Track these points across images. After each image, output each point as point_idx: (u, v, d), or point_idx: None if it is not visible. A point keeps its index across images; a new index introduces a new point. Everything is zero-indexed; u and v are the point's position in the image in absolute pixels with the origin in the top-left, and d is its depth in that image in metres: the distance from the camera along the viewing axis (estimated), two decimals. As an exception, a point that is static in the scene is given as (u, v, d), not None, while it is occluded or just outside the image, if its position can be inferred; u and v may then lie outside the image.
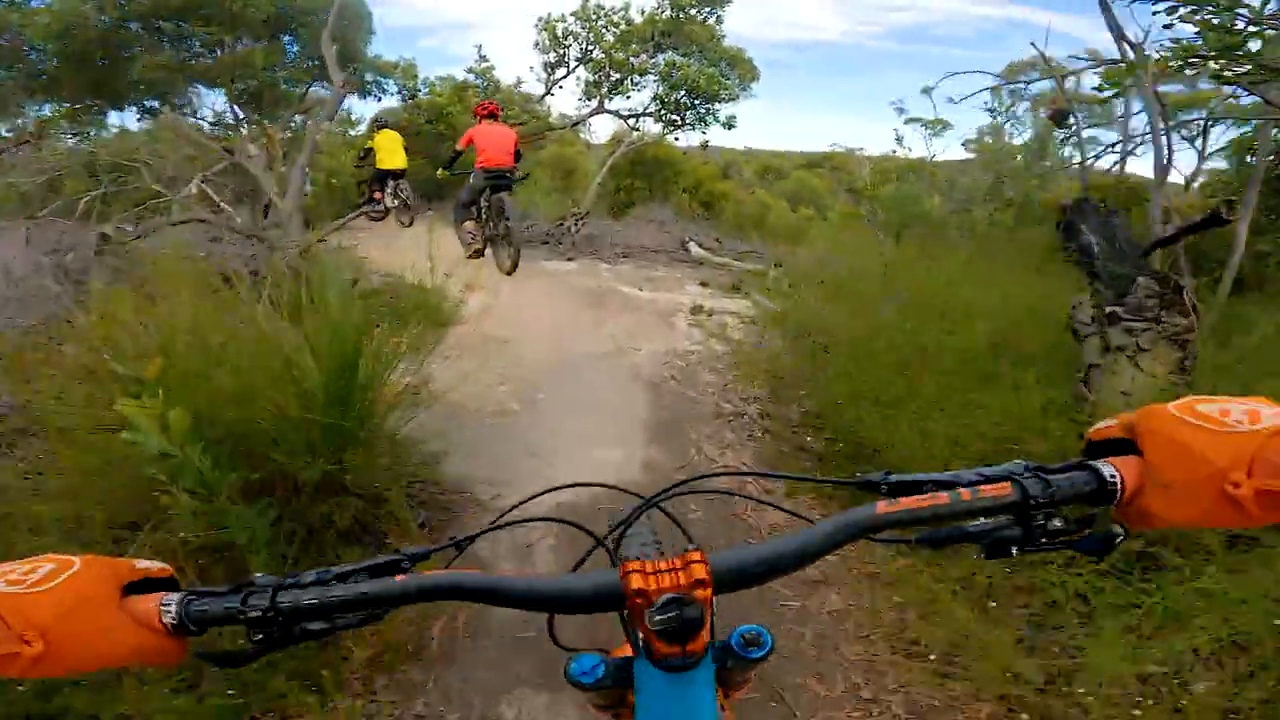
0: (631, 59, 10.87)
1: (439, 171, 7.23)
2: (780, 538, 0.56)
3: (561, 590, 0.56)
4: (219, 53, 8.84)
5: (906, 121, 29.59)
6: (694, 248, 8.11)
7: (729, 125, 10.52)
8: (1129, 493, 0.55)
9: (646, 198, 15.61)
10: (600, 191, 12.66)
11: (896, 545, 0.76)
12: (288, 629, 0.54)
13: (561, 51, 11.45)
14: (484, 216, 6.65)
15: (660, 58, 11.15)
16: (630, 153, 12.95)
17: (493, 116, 6.63)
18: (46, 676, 0.49)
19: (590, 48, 11.39)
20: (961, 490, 0.56)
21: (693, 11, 10.88)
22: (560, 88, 11.62)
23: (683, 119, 10.59)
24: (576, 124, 11.47)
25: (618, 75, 11.18)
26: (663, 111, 10.84)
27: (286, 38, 9.85)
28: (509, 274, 6.28)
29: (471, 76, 11.10)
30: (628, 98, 11.01)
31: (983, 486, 0.57)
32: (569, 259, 7.60)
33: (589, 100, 11.67)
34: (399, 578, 0.55)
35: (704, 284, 6.82)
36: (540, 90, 11.67)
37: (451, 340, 4.50)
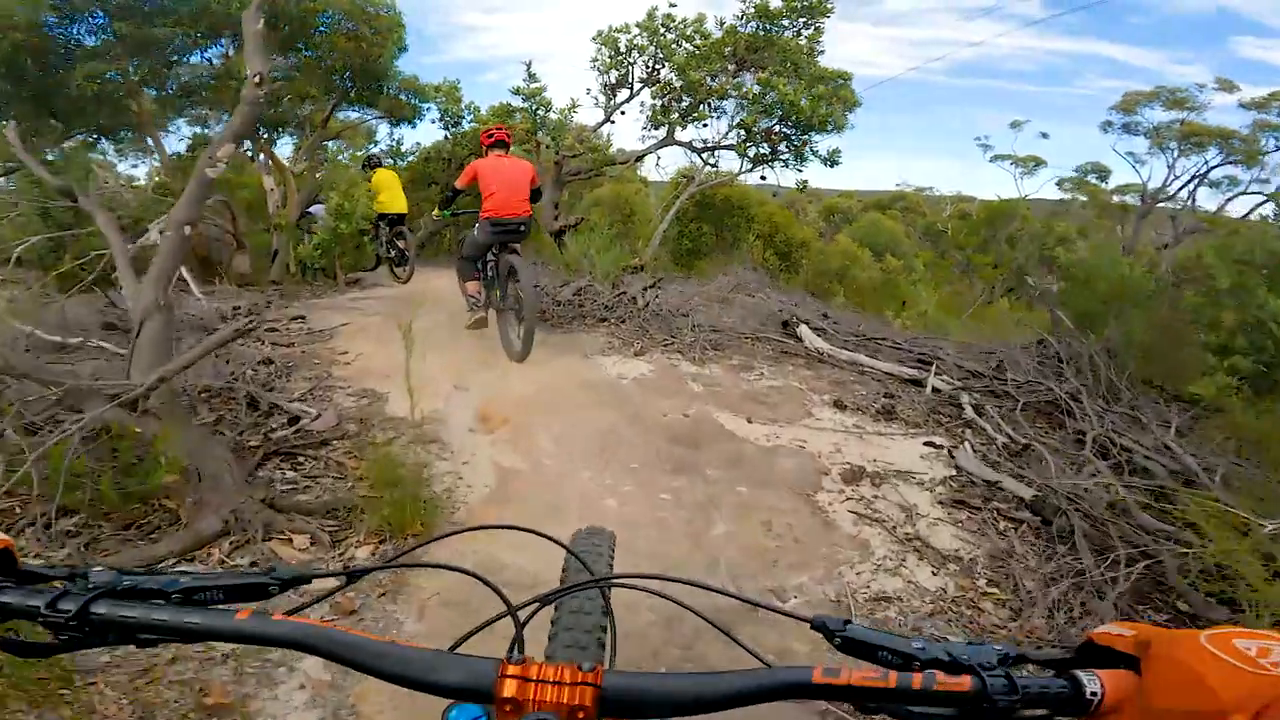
0: (708, 79, 8.76)
1: (434, 212, 5.57)
2: (697, 675, 0.52)
3: (425, 669, 0.50)
4: (189, 61, 6.96)
5: (992, 159, 26.30)
6: (806, 334, 5.80)
7: (831, 162, 8.26)
8: (1105, 710, 0.48)
9: (712, 244, 13.45)
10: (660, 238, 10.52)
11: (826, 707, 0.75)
12: (101, 634, 0.51)
13: (624, 70, 9.41)
14: (490, 281, 5.21)
15: (746, 78, 9.02)
16: (696, 193, 10.80)
17: (502, 146, 5.08)
18: None
19: (658, 65, 9.32)
20: (914, 675, 0.50)
21: (784, 23, 8.73)
22: (622, 113, 9.58)
23: (774, 152, 8.36)
24: (641, 157, 9.36)
25: (690, 99, 9.08)
26: (747, 144, 8.65)
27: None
28: (519, 361, 4.87)
29: (519, 99, 9.10)
30: (703, 126, 8.87)
31: (939, 674, 0.50)
32: (638, 353, 5.35)
33: (654, 129, 9.59)
34: (242, 614, 0.51)
35: (839, 404, 4.50)
36: (598, 116, 9.67)
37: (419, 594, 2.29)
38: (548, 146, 9.18)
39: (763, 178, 8.80)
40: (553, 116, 8.95)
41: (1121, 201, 23.74)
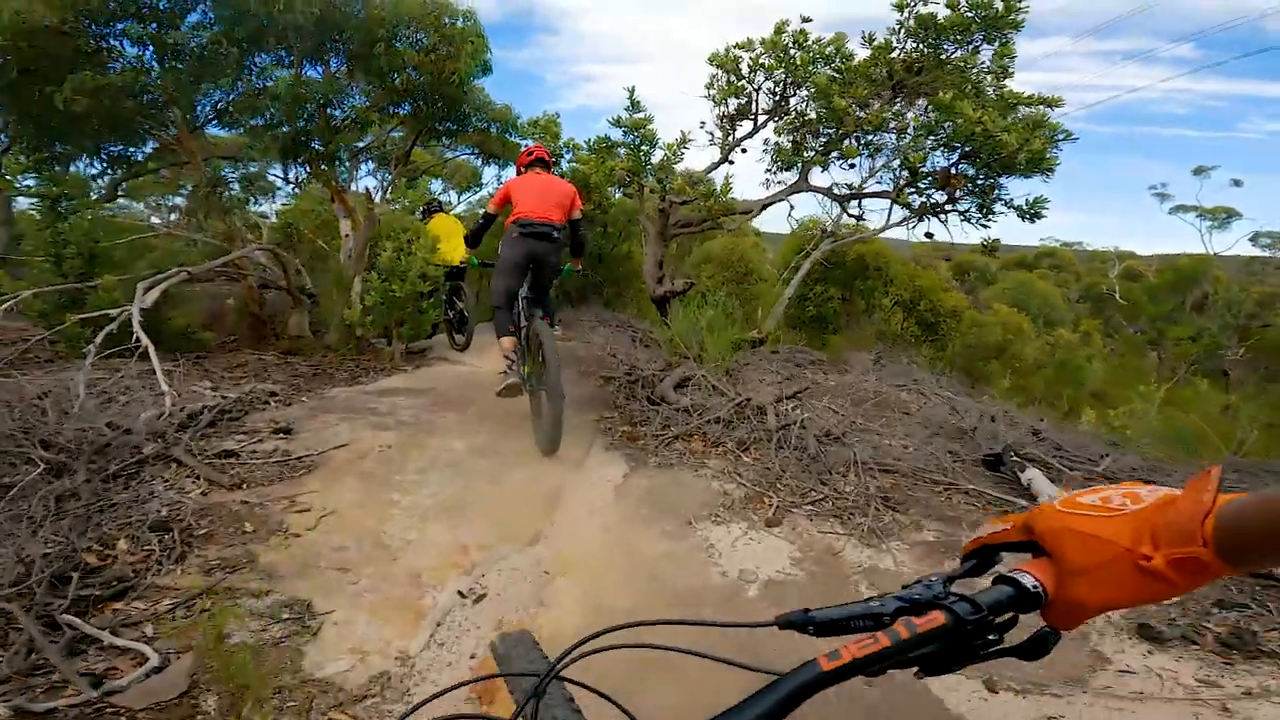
0: (856, 108, 6.79)
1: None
2: (723, 715, 0.51)
3: None
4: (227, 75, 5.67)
5: (1172, 210, 22.40)
6: (1038, 483, 3.61)
7: (1032, 214, 6.03)
8: (1051, 594, 0.55)
9: (840, 310, 11.27)
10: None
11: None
12: None
13: (746, 98, 7.60)
14: (523, 350, 4.31)
15: (905, 107, 7.01)
16: (827, 250, 8.73)
17: (541, 165, 4.61)
18: None
19: (789, 91, 7.45)
20: (899, 629, 0.54)
21: (956, 38, 6.67)
22: (743, 151, 7.72)
23: (951, 200, 6.23)
24: (768, 205, 7.45)
25: (831, 132, 7.13)
26: (909, 189, 6.56)
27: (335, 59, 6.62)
28: (547, 454, 4.02)
29: (619, 132, 7.44)
30: (848, 166, 6.87)
31: (915, 619, 0.55)
32: (771, 520, 3.37)
33: (783, 169, 7.68)
34: None
35: (1147, 632, 2.35)
36: (711, 156, 7.92)
37: None
38: (652, 190, 7.45)
39: (928, 235, 6.65)
40: (659, 153, 7.22)
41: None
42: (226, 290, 8.88)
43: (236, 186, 9.35)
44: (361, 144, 8.06)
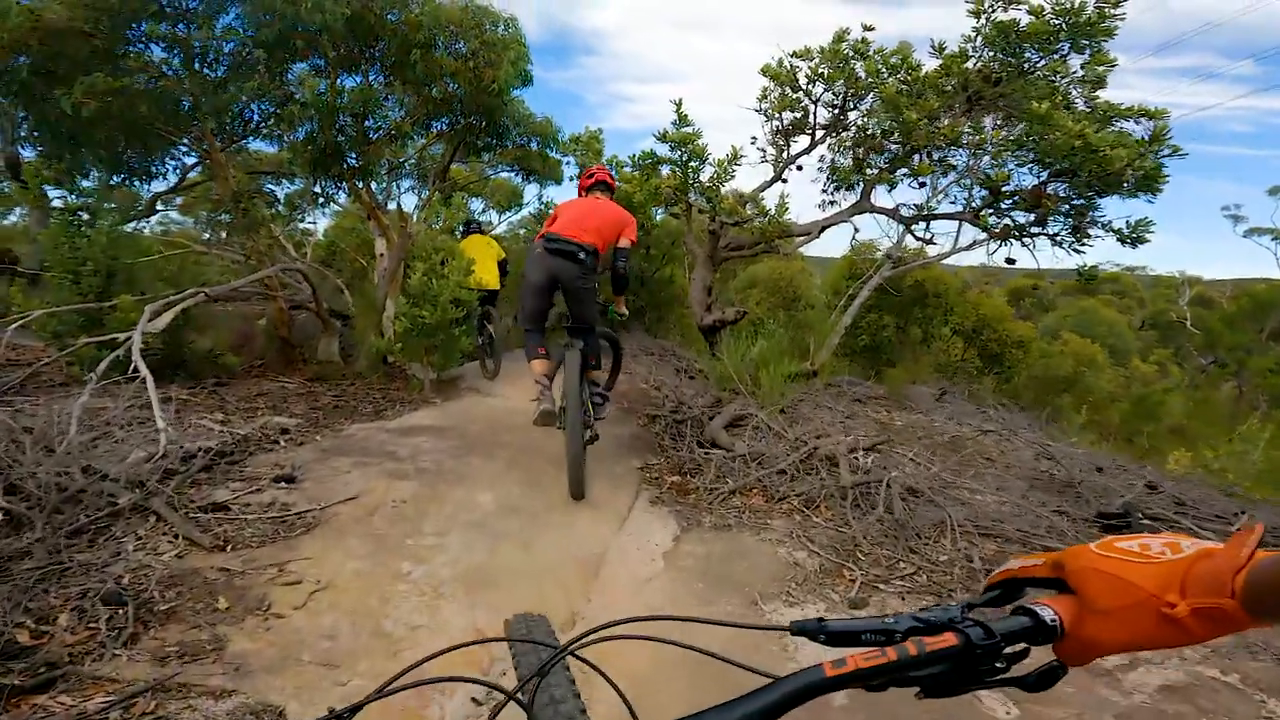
0: (928, 123, 6.20)
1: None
2: (719, 708, 0.52)
3: None
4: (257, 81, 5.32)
5: (1247, 233, 21.18)
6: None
7: (1134, 238, 5.33)
8: (1067, 629, 0.56)
9: (894, 340, 10.57)
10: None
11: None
12: None
13: (803, 111, 7.05)
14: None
15: (979, 120, 6.38)
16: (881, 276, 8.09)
17: (603, 188, 4.24)
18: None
19: (850, 103, 6.88)
20: (909, 645, 0.55)
21: (1038, 46, 6.04)
22: (798, 168, 7.16)
23: (1041, 221, 5.56)
24: (829, 226, 6.87)
25: (899, 148, 6.54)
26: (990, 210, 5.91)
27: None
28: (575, 498, 3.57)
29: (665, 148, 6.96)
30: (918, 184, 6.26)
31: (927, 638, 0.55)
32: (857, 601, 2.79)
33: (841, 189, 7.10)
34: None
35: None
36: (763, 174, 7.38)
37: None
38: (701, 210, 6.94)
39: (1009, 260, 5.97)
40: (708, 170, 6.70)
41: None
42: (260, 310, 8.60)
43: (280, 204, 9.12)
44: (399, 159, 7.69)
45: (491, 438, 4.45)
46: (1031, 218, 5.57)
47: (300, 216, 12.08)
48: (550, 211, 4.34)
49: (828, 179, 7.51)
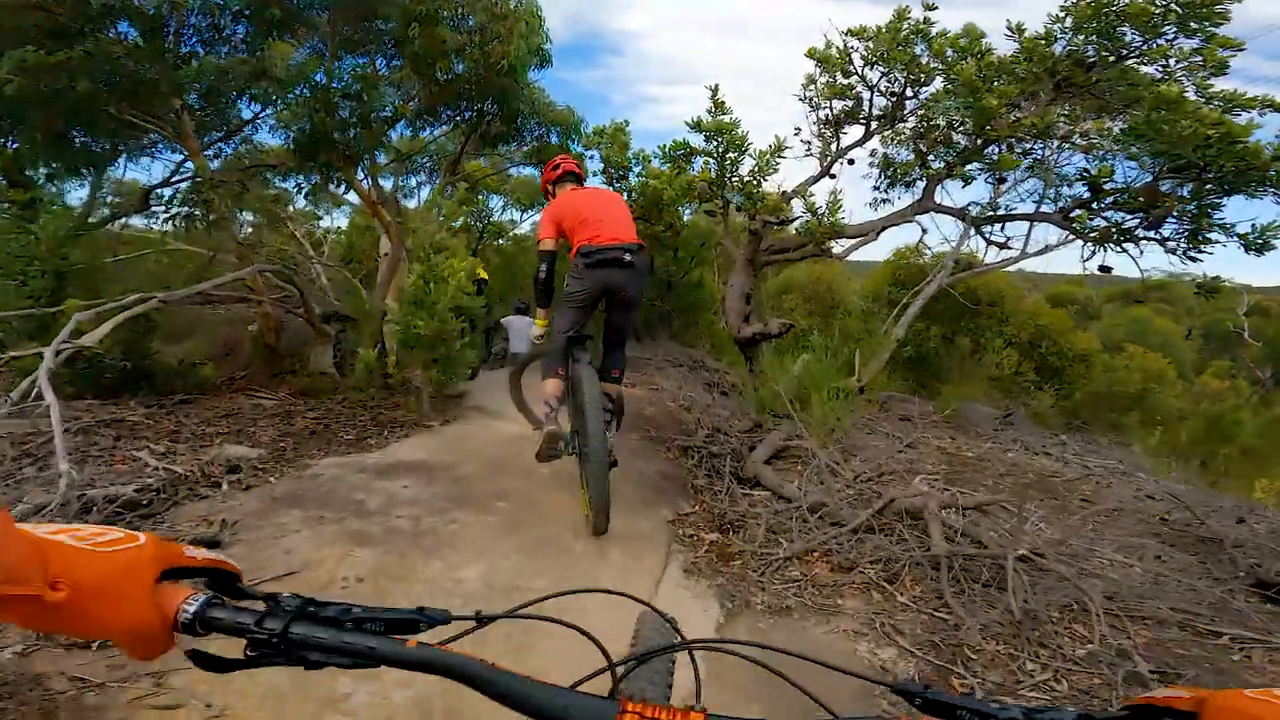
0: (1008, 110, 5.33)
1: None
2: None
3: (558, 707, 0.52)
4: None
5: None
6: None
7: (1259, 244, 4.43)
8: None
9: (941, 351, 9.68)
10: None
11: None
12: (288, 652, 0.54)
13: (855, 98, 6.21)
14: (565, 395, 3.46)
15: (1067, 108, 5.50)
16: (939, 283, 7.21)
17: (573, 179, 3.76)
18: (52, 630, 0.49)
19: (910, 89, 6.03)
20: None
21: (1142, 31, 5.15)
22: (849, 162, 6.32)
23: (1154, 225, 4.67)
24: (887, 227, 6.02)
25: (970, 140, 5.68)
26: (1089, 211, 5.02)
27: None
28: (598, 533, 3.13)
29: (699, 138, 6.15)
30: (998, 180, 5.39)
31: None
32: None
33: (899, 187, 6.25)
34: (411, 642, 0.55)
35: None
36: (807, 169, 6.55)
37: None
38: (739, 208, 6.11)
39: (1104, 269, 5.07)
40: (748, 162, 5.88)
41: None
42: (251, 315, 7.89)
43: (302, 199, 8.45)
44: (394, 140, 6.94)
45: (490, 481, 3.64)
46: (1141, 219, 4.68)
47: (318, 215, 11.44)
48: (539, 222, 3.63)
49: (880, 174, 6.67)
